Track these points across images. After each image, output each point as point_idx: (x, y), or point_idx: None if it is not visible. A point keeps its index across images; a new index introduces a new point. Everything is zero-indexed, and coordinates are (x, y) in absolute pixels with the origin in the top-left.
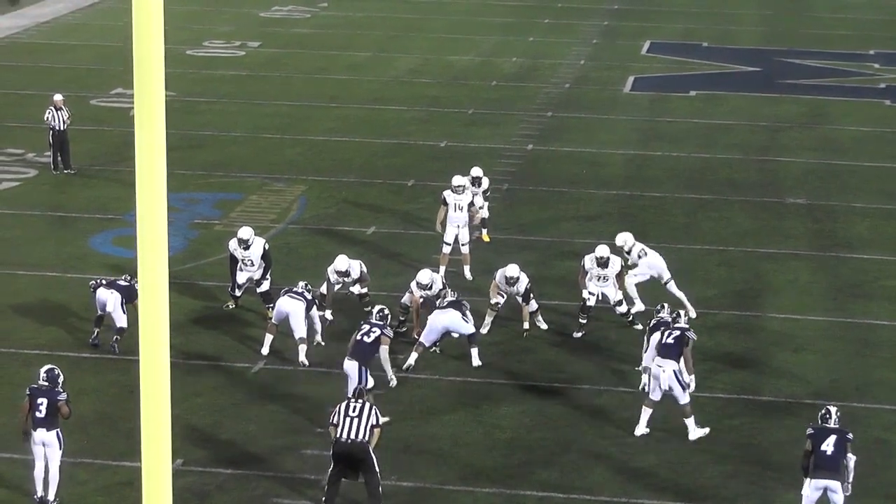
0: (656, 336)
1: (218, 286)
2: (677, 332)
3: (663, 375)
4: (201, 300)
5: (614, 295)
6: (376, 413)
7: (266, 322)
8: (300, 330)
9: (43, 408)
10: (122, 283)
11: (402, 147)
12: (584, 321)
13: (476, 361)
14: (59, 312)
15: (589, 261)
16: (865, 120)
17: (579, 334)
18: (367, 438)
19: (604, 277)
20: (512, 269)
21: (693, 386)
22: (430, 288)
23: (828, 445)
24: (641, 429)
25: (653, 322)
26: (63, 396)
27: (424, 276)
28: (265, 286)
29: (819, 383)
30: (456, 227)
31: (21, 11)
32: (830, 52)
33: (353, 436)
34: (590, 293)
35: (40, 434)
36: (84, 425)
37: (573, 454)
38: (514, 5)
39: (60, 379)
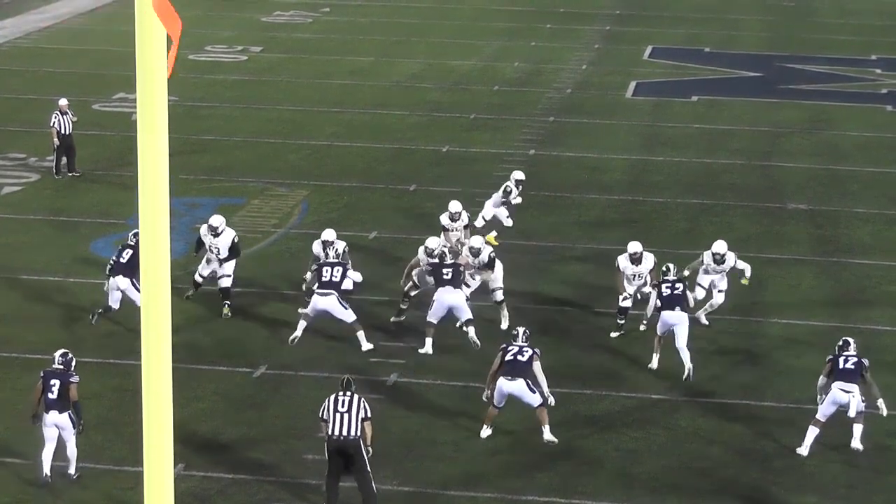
0: (663, 294)
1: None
2: (855, 359)
3: (853, 400)
4: (203, 304)
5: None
6: (365, 406)
7: (299, 312)
8: (348, 316)
9: (55, 389)
10: (128, 255)
11: (403, 152)
12: (622, 321)
13: (473, 337)
14: (62, 317)
15: (623, 259)
16: (867, 125)
17: (616, 334)
18: (358, 434)
19: (638, 275)
20: (476, 241)
21: (863, 408)
22: (437, 256)
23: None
24: (805, 449)
25: (661, 281)
26: (76, 379)
27: (433, 241)
28: (227, 283)
29: None
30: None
31: (23, 16)
32: (832, 58)
33: (344, 432)
34: (627, 294)
35: (52, 416)
36: (86, 429)
37: (574, 459)
38: (516, 10)
39: (73, 364)
